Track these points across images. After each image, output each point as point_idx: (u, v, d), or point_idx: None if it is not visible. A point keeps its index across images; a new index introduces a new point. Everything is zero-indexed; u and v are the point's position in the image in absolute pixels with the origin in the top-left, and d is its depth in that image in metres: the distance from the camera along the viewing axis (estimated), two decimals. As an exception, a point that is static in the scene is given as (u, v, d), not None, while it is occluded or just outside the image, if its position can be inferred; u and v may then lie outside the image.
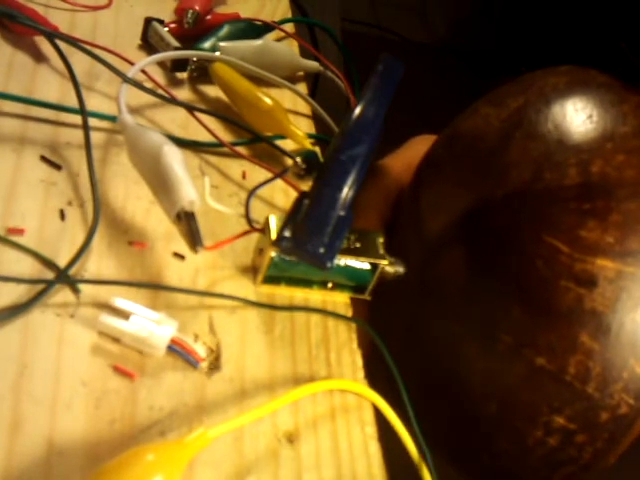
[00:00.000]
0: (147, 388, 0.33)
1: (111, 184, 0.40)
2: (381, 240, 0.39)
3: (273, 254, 0.37)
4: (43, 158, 0.39)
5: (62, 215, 0.37)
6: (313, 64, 0.53)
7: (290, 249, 0.35)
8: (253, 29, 0.52)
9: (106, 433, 0.31)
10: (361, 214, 0.43)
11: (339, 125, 0.41)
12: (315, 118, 0.51)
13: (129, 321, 0.33)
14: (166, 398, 0.33)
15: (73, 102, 0.41)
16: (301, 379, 0.36)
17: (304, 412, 0.35)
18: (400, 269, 0.39)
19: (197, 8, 0.51)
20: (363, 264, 0.39)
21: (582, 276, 0.35)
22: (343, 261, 0.38)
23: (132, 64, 0.43)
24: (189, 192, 0.35)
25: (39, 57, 0.45)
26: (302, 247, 0.35)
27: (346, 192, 0.37)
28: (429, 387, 0.41)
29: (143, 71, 0.44)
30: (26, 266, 0.35)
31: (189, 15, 0.50)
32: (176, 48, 0.47)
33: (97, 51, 0.42)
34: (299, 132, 0.45)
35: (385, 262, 0.38)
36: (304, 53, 0.54)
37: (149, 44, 0.49)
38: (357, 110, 0.40)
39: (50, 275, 0.35)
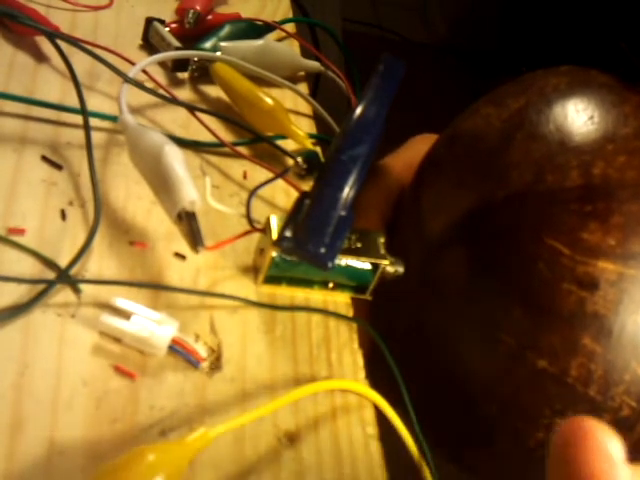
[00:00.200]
0: (148, 388, 0.33)
1: (112, 184, 0.40)
2: (382, 240, 0.39)
3: (274, 254, 0.37)
4: (44, 158, 0.39)
5: (63, 215, 0.37)
6: (314, 64, 0.53)
7: (291, 249, 0.35)
8: (254, 29, 0.52)
9: (107, 433, 0.31)
10: (362, 214, 0.43)
11: (340, 125, 0.41)
12: (316, 118, 0.51)
13: (130, 321, 0.33)
14: (167, 398, 0.33)
15: (74, 102, 0.41)
16: (302, 379, 0.36)
17: (305, 412, 0.35)
18: (400, 269, 0.39)
19: (198, 8, 0.50)
20: (364, 264, 0.39)
21: (584, 279, 0.35)
22: (344, 261, 0.38)
23: (133, 64, 0.43)
24: (190, 192, 0.35)
25: (40, 57, 0.45)
26: (303, 247, 0.34)
27: (347, 192, 0.37)
28: (430, 387, 0.41)
29: (144, 71, 0.44)
30: (27, 266, 0.35)
31: (190, 15, 0.50)
32: (177, 48, 0.47)
33: (98, 51, 0.42)
34: (300, 132, 0.45)
35: (386, 262, 0.38)
36: (305, 53, 0.54)
37: (150, 44, 0.49)
38: (358, 110, 0.40)
39: (51, 275, 0.35)
